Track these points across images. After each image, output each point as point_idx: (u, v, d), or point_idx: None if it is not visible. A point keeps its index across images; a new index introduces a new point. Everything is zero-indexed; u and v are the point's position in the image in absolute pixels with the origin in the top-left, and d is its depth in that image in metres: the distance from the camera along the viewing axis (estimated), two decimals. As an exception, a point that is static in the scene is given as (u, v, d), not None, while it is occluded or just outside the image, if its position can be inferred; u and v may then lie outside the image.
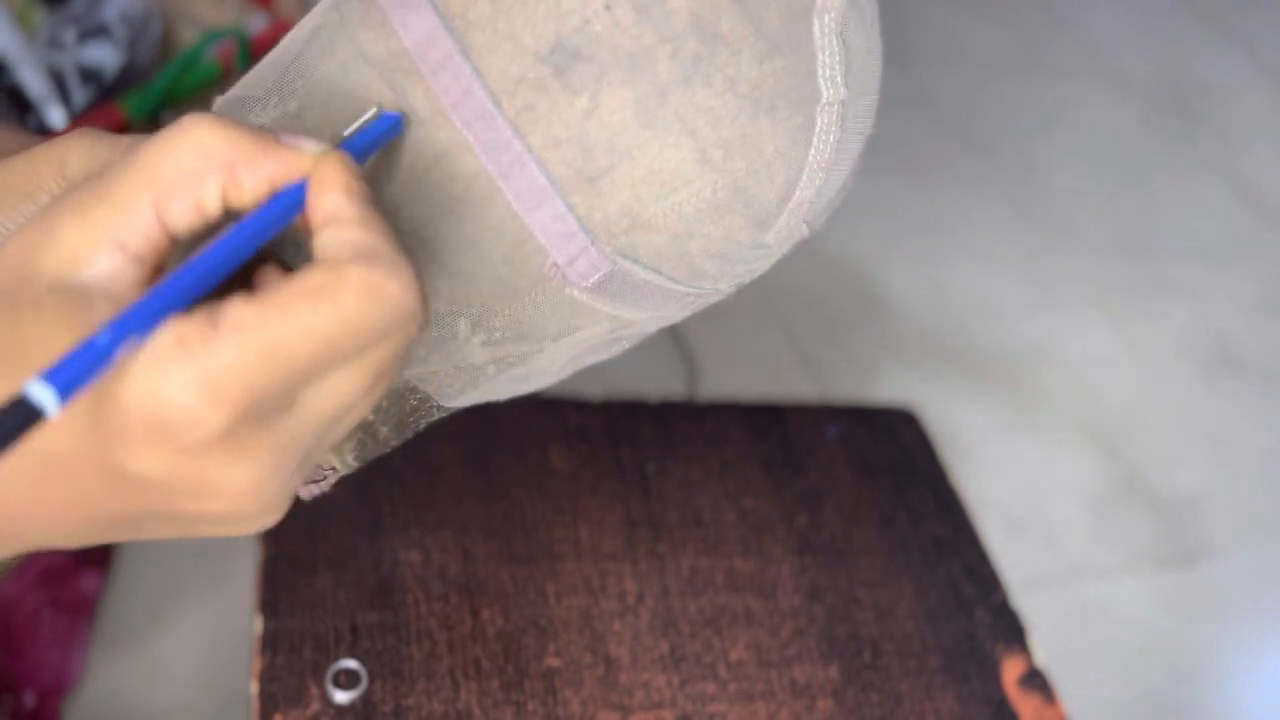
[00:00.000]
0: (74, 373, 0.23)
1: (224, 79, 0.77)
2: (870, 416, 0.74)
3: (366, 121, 0.31)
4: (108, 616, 0.71)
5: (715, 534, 0.63)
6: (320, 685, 0.51)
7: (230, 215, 0.28)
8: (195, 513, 0.27)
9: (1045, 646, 0.62)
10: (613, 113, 0.31)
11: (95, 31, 0.71)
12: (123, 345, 0.24)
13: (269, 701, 0.50)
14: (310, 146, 0.27)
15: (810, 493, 0.67)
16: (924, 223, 1.26)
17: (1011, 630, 0.63)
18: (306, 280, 0.25)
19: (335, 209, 0.27)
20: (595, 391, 0.70)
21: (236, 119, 0.27)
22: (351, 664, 0.52)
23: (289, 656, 0.52)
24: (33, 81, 0.68)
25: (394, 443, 0.38)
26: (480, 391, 0.37)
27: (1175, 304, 1.25)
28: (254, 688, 0.51)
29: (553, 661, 0.55)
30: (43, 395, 0.23)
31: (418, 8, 0.31)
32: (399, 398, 0.36)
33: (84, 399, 0.25)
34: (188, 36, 0.79)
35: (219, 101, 0.34)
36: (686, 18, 0.31)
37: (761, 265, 0.37)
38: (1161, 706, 0.84)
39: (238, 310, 0.25)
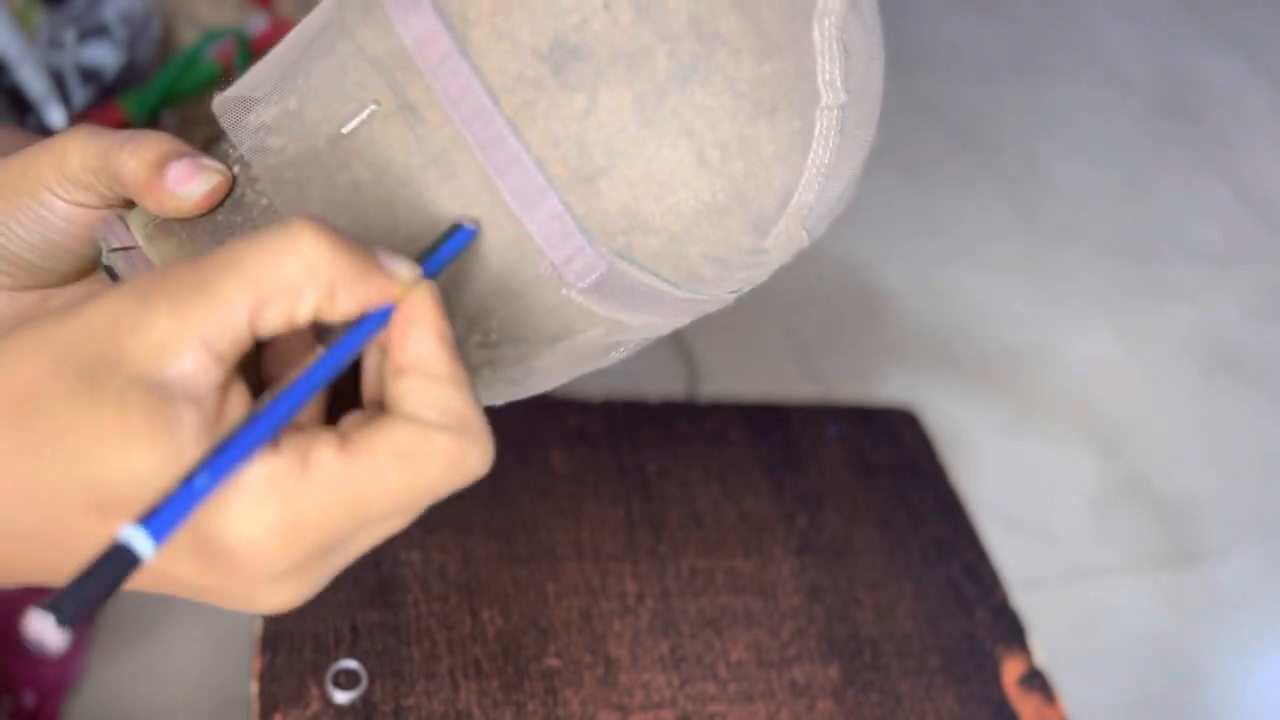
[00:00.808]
0: (170, 517, 0.24)
1: (224, 79, 0.77)
2: (870, 417, 0.74)
3: (443, 238, 0.31)
4: (108, 616, 0.71)
5: (716, 534, 0.63)
6: (320, 685, 0.51)
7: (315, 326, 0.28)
8: (227, 606, 0.28)
9: (1045, 646, 0.62)
10: (610, 112, 0.31)
11: (95, 31, 0.71)
12: (216, 485, 0.24)
13: (269, 702, 0.50)
14: (405, 273, 0.28)
15: (810, 493, 0.67)
16: (925, 224, 1.26)
17: (1011, 630, 0.63)
18: (396, 438, 0.26)
19: (426, 357, 0.27)
20: (596, 392, 0.70)
21: (342, 233, 0.27)
22: (351, 664, 0.52)
23: (289, 656, 0.52)
24: (33, 81, 0.68)
25: None
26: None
27: (1175, 305, 1.25)
28: (254, 688, 0.51)
29: (553, 662, 0.55)
30: (140, 542, 0.23)
31: (418, 6, 0.31)
32: None
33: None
34: (188, 36, 0.79)
35: (219, 99, 0.34)
36: (685, 17, 0.31)
37: (760, 273, 0.37)
38: (1161, 706, 0.84)
39: (328, 458, 0.26)
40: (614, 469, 0.65)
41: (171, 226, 0.33)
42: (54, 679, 0.65)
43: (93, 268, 0.35)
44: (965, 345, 1.11)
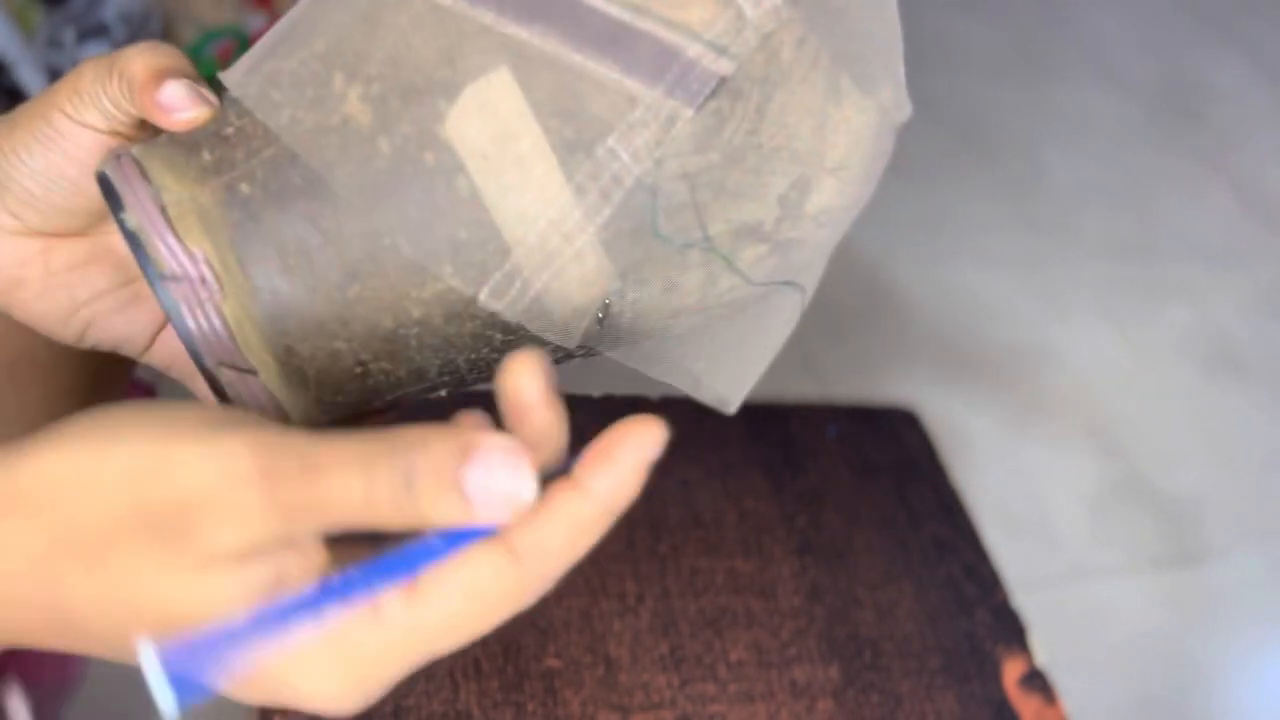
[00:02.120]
0: (203, 651, 0.24)
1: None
2: (871, 416, 0.74)
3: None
4: (107, 616, 0.71)
5: (715, 534, 0.63)
6: (320, 685, 0.51)
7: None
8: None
9: (1045, 646, 0.62)
10: None
11: (94, 31, 0.71)
12: (267, 636, 0.25)
13: (268, 701, 0.50)
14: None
15: (811, 493, 0.67)
16: (926, 224, 1.26)
17: (1012, 630, 0.63)
18: (466, 578, 0.27)
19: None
20: (595, 391, 0.70)
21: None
22: (351, 664, 0.52)
23: (288, 656, 0.52)
24: (32, 81, 0.68)
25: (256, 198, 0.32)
26: (380, 174, 0.31)
27: (1176, 305, 1.25)
28: (253, 688, 0.51)
29: (552, 662, 0.55)
30: (150, 660, 0.24)
31: None
32: (275, 167, 0.31)
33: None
34: (187, 35, 0.79)
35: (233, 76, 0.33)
36: None
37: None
38: (1161, 706, 0.84)
39: (397, 606, 0.26)
40: (614, 469, 0.65)
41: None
42: (54, 679, 0.65)
43: (93, 220, 0.35)
44: (966, 345, 1.11)
